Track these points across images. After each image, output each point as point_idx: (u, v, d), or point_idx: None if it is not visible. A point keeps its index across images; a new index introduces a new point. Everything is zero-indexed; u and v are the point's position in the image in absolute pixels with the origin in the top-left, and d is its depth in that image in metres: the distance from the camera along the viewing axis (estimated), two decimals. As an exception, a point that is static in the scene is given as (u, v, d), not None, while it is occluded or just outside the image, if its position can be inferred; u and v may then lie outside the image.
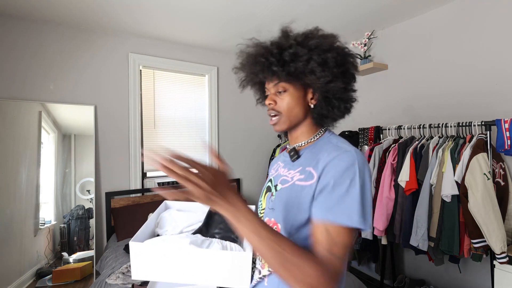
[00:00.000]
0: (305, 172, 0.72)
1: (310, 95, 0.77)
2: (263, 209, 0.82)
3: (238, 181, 3.34)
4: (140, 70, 2.81)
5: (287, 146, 0.85)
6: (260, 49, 0.80)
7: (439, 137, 1.95)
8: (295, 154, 0.78)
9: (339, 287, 0.64)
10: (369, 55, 2.62)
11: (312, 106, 0.78)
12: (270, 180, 0.85)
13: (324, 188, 0.65)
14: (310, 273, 0.57)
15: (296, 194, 0.71)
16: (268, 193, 0.82)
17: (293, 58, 0.72)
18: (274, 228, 0.66)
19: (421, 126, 2.06)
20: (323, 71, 0.71)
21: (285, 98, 0.76)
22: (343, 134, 2.63)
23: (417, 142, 2.00)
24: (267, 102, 0.78)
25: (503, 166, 1.75)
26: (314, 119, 0.79)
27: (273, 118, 0.78)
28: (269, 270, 0.74)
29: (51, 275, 2.22)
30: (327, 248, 0.61)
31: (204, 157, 3.18)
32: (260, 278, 0.76)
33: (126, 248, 2.12)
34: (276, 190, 0.78)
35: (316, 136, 0.79)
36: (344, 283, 0.72)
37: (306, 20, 2.41)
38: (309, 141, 0.79)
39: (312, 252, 0.62)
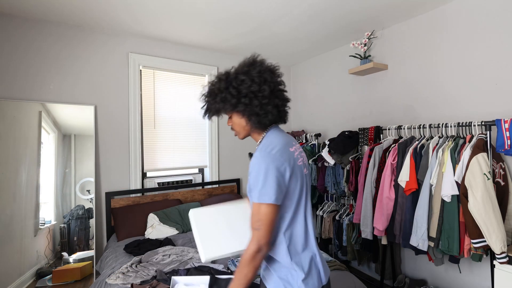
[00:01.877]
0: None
1: (246, 114, 1.04)
2: None
3: (238, 181, 3.34)
4: (140, 70, 2.81)
5: None
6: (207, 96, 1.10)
7: (439, 137, 1.95)
8: (250, 155, 1.09)
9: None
10: (369, 55, 2.62)
11: (250, 119, 1.05)
12: None
13: (250, 179, 0.98)
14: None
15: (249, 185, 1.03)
16: None
17: (208, 108, 1.08)
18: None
19: (421, 126, 2.06)
20: (225, 104, 1.02)
21: (234, 121, 1.09)
22: (343, 134, 2.63)
23: (417, 142, 2.00)
24: (228, 124, 1.13)
25: (503, 166, 1.75)
26: (254, 128, 1.07)
27: (235, 134, 1.14)
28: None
29: (51, 275, 2.22)
30: (253, 224, 0.93)
31: (204, 157, 3.18)
32: None
33: (126, 248, 2.12)
34: None
35: (260, 140, 1.08)
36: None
37: (306, 20, 2.41)
38: (257, 144, 1.08)
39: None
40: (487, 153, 1.65)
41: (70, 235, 2.37)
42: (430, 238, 1.79)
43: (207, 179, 3.22)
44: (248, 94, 0.99)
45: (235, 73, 1.02)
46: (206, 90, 1.08)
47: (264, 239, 0.90)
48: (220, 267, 1.74)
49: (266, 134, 1.07)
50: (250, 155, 1.11)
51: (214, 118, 1.13)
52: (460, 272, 2.10)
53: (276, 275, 0.98)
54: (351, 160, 2.48)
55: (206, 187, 3.16)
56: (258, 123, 1.03)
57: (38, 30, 2.34)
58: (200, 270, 1.67)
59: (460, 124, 1.86)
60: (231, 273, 1.68)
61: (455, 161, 1.73)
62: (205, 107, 1.09)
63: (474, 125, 1.79)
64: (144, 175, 2.89)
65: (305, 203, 1.03)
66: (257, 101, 1.00)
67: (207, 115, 1.11)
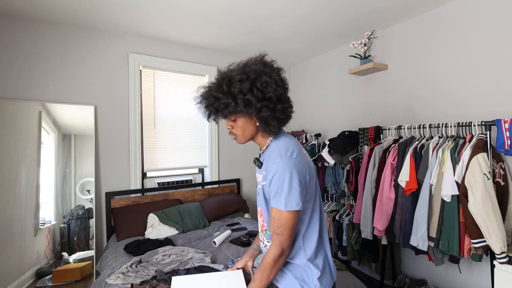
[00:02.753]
0: (264, 176, 1.00)
1: (254, 117, 1.00)
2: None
3: (238, 181, 3.34)
4: (140, 70, 2.81)
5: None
6: (205, 97, 1.02)
7: (439, 137, 1.95)
8: (259, 163, 1.05)
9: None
10: (369, 55, 2.62)
11: (258, 124, 1.02)
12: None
13: (271, 185, 0.95)
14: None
15: (262, 192, 1.02)
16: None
17: (224, 106, 0.96)
18: (261, 215, 1.06)
19: (421, 126, 2.06)
20: (250, 108, 0.94)
21: (237, 125, 1.02)
22: (343, 134, 2.63)
23: (417, 142, 2.00)
24: (226, 127, 1.05)
25: (503, 166, 1.75)
26: (262, 132, 1.04)
27: (232, 137, 1.06)
28: (268, 241, 1.04)
29: (51, 275, 2.22)
30: (274, 229, 0.94)
31: (204, 157, 3.18)
32: (265, 246, 1.08)
33: (126, 248, 2.12)
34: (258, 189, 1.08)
35: (267, 145, 1.05)
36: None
37: (306, 21, 2.41)
38: (265, 148, 1.06)
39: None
40: (487, 153, 1.65)
41: (70, 235, 2.37)
42: (430, 238, 1.79)
43: (207, 179, 3.22)
44: (272, 98, 0.94)
45: (255, 73, 0.94)
46: (219, 89, 0.96)
47: (286, 243, 0.92)
48: (220, 267, 1.74)
49: (274, 138, 1.04)
50: (257, 160, 1.09)
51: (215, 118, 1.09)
52: (460, 272, 2.10)
53: (291, 275, 0.99)
54: (351, 160, 2.48)
55: (206, 187, 3.16)
56: (275, 128, 0.98)
57: (38, 30, 2.34)
58: (200, 270, 1.67)
59: (460, 124, 1.86)
60: None
61: (455, 161, 1.73)
62: (216, 108, 0.98)
63: (474, 125, 1.79)
64: (144, 175, 2.89)
65: (319, 203, 1.04)
66: (280, 105, 0.96)
67: (213, 117, 1.03)
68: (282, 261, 0.94)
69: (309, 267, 0.97)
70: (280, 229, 0.91)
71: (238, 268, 1.20)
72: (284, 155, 0.94)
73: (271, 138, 1.04)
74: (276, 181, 0.92)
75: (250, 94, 0.92)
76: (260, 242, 1.13)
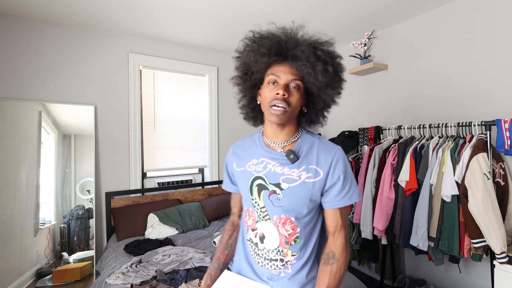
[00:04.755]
0: (311, 170, 0.83)
1: (304, 100, 0.85)
2: (263, 207, 0.87)
3: (238, 181, 3.34)
4: (140, 70, 2.81)
5: (264, 141, 0.91)
6: (296, 38, 0.82)
7: (439, 137, 1.95)
8: (295, 156, 0.84)
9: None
10: (369, 55, 2.62)
11: (304, 110, 0.87)
12: (260, 178, 0.87)
13: (336, 183, 0.83)
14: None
15: (306, 191, 0.83)
16: (263, 191, 0.86)
17: (326, 60, 0.79)
18: (288, 222, 0.84)
19: (421, 126, 2.06)
20: (338, 78, 0.82)
21: (296, 95, 0.80)
22: (343, 134, 2.63)
23: (417, 142, 2.00)
24: (282, 91, 0.78)
25: (503, 166, 1.75)
26: (299, 121, 0.89)
27: (280, 108, 0.79)
28: (293, 255, 0.85)
29: (51, 275, 2.22)
30: (341, 225, 0.84)
31: (204, 157, 3.18)
32: (283, 264, 0.86)
33: (126, 248, 2.12)
34: (281, 189, 0.84)
35: (297, 135, 0.88)
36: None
37: (306, 21, 2.41)
38: (293, 140, 0.87)
39: (327, 230, 0.87)
40: (487, 153, 1.65)
41: (70, 235, 2.37)
42: (430, 238, 1.79)
43: (207, 179, 3.22)
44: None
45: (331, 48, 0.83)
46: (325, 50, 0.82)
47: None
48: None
49: (305, 131, 0.91)
50: (291, 153, 0.84)
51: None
52: (460, 272, 2.09)
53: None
54: (351, 160, 2.48)
55: (206, 187, 3.16)
56: (323, 118, 0.90)
57: (38, 30, 2.34)
58: (200, 270, 1.67)
59: (460, 124, 1.86)
60: None
61: (455, 161, 1.73)
62: (312, 62, 0.79)
63: (474, 125, 1.79)
64: (144, 175, 2.89)
65: None
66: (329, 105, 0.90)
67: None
68: None
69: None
70: (345, 222, 0.85)
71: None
72: (337, 146, 0.87)
73: (300, 130, 0.90)
74: (349, 173, 0.85)
75: (337, 60, 0.83)
76: (266, 262, 0.87)
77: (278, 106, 0.78)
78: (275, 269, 0.86)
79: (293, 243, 0.85)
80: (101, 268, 2.10)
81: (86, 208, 2.46)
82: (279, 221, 0.85)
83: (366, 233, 2.11)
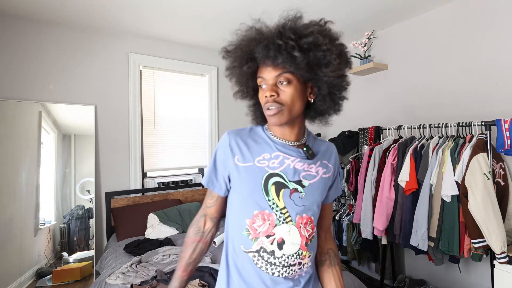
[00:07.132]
0: (326, 166, 0.84)
1: (309, 90, 0.78)
2: (283, 208, 0.76)
3: (238, 181, 3.34)
4: (140, 70, 2.81)
5: (282, 142, 0.80)
6: (271, 32, 0.72)
7: (439, 137, 1.95)
8: (313, 152, 0.81)
9: None
10: (369, 55, 2.62)
11: (311, 101, 0.79)
12: (277, 175, 0.77)
13: (336, 177, 0.88)
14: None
15: (324, 186, 0.83)
16: (283, 189, 0.76)
17: (312, 47, 0.69)
18: (309, 222, 0.78)
19: (421, 126, 2.06)
20: (339, 64, 0.71)
21: (288, 90, 0.72)
22: (343, 134, 2.63)
23: (417, 142, 2.00)
24: (268, 93, 0.72)
25: (503, 166, 1.75)
26: (307, 115, 0.82)
27: (272, 110, 0.73)
28: (309, 256, 0.80)
29: (51, 275, 2.22)
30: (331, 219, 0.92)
31: (204, 157, 3.18)
32: (303, 265, 0.79)
33: (126, 248, 2.12)
34: (303, 186, 0.78)
35: (306, 132, 0.85)
36: None
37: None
38: (305, 137, 0.84)
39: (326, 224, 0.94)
40: (487, 153, 1.65)
41: (70, 235, 2.37)
42: (430, 238, 1.79)
43: (207, 179, 3.22)
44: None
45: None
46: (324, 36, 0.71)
47: None
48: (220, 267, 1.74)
49: (307, 130, 0.88)
50: (310, 148, 0.81)
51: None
52: (460, 272, 2.10)
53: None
54: (351, 160, 2.48)
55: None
56: (333, 103, 0.81)
57: (38, 30, 2.34)
58: (200, 270, 1.67)
59: (460, 124, 1.86)
60: None
61: (455, 161, 1.73)
62: (302, 51, 0.70)
63: (474, 125, 1.79)
64: (144, 175, 2.89)
65: None
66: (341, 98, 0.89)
67: (253, 64, 0.76)
68: None
69: None
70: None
71: None
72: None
73: (306, 128, 0.87)
74: (336, 170, 0.88)
75: (342, 46, 0.74)
76: (284, 270, 0.76)
77: (269, 109, 0.73)
78: (292, 274, 0.77)
79: (309, 243, 0.78)
80: (101, 268, 2.10)
81: (86, 208, 2.46)
82: (301, 222, 0.77)
83: (366, 233, 2.11)
